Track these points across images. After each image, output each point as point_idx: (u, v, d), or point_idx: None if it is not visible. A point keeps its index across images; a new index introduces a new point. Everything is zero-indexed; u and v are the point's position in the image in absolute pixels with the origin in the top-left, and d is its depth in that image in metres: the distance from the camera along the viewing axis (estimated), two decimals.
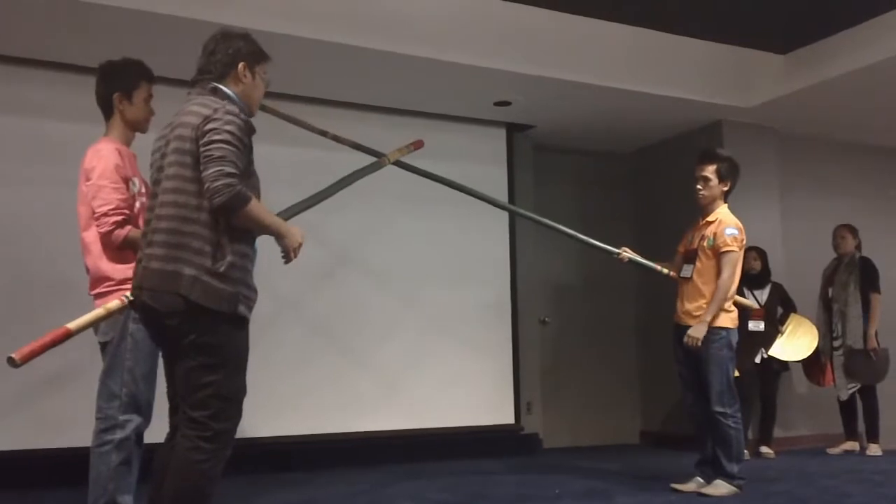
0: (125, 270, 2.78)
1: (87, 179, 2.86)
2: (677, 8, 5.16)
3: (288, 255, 2.50)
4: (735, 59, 5.77)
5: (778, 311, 5.80)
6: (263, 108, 3.63)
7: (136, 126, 3.02)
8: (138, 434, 2.83)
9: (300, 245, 2.51)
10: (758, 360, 5.65)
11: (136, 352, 2.80)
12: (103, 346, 2.87)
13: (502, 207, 4.90)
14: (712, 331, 4.03)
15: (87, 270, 2.94)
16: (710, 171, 4.21)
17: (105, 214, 2.78)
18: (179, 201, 2.34)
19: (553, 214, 6.72)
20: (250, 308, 2.42)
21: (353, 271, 5.56)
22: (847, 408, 5.72)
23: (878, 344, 5.56)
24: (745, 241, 4.17)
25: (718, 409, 4.01)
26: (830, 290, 5.77)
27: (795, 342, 5.73)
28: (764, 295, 5.78)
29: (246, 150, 2.37)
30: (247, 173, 2.38)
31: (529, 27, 5.08)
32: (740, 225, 4.16)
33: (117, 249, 2.83)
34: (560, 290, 6.69)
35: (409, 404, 5.57)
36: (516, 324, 6.04)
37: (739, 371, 5.54)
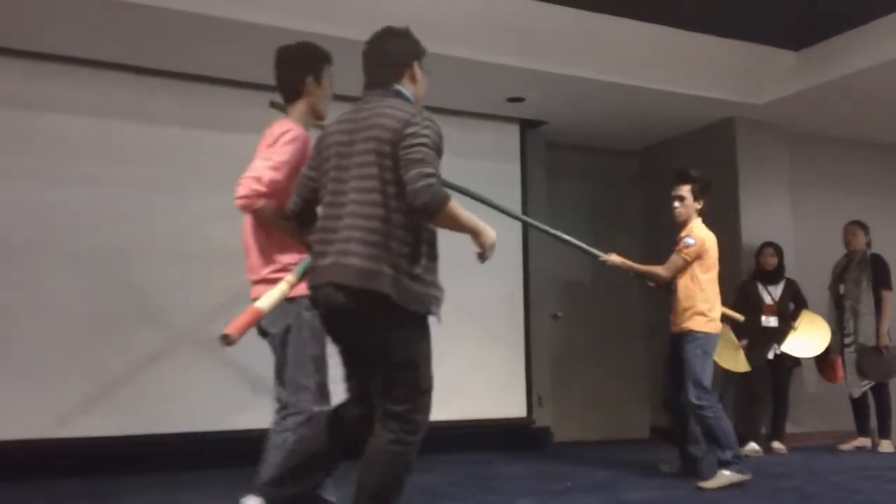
0: (290, 257, 2.73)
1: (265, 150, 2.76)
2: (690, 5, 5.16)
3: (484, 252, 2.48)
4: (747, 55, 5.77)
5: (790, 308, 5.81)
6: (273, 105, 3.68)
7: (319, 111, 2.95)
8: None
9: (494, 244, 2.48)
10: (770, 356, 5.66)
11: (314, 340, 2.73)
12: (269, 336, 2.80)
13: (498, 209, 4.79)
14: (689, 334, 4.28)
15: (247, 253, 2.87)
16: (685, 190, 4.46)
17: (252, 178, 2.64)
18: (378, 201, 2.36)
19: (565, 210, 6.82)
20: (440, 307, 2.49)
21: None
22: (859, 404, 5.72)
23: (891, 341, 5.56)
24: (707, 253, 4.37)
25: (695, 402, 4.18)
26: (841, 287, 5.77)
27: (808, 339, 5.74)
28: (778, 291, 5.78)
29: (440, 154, 2.42)
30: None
31: (543, 24, 5.10)
32: (704, 237, 4.39)
33: (263, 224, 2.75)
34: (572, 286, 6.72)
35: None
36: (528, 318, 6.08)
37: (752, 367, 5.58)
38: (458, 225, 2.40)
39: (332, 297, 2.38)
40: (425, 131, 2.36)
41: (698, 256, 4.34)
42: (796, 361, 5.82)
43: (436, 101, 5.75)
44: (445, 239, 2.49)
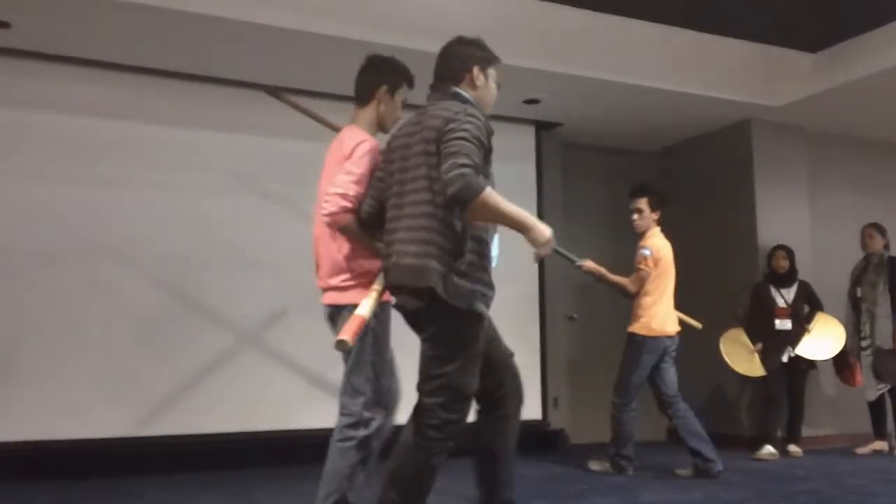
0: (364, 264, 2.78)
1: (338, 162, 2.81)
2: (708, 6, 5.15)
3: (538, 250, 2.44)
4: (765, 57, 5.75)
5: (805, 310, 5.79)
6: (286, 102, 3.73)
7: (384, 123, 2.99)
8: (379, 429, 2.78)
9: (550, 240, 2.43)
10: (785, 358, 5.64)
11: (377, 347, 2.78)
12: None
13: None
14: (630, 336, 4.71)
15: (318, 261, 2.91)
16: (643, 203, 4.74)
17: (339, 195, 2.69)
18: (425, 199, 2.44)
19: (581, 211, 6.82)
20: (488, 305, 2.51)
21: None
22: (876, 408, 5.68)
23: None
24: (661, 260, 4.68)
25: (614, 398, 4.71)
26: (859, 290, 5.74)
27: (822, 341, 5.71)
28: (791, 294, 5.76)
29: (483, 149, 2.43)
30: (484, 172, 2.44)
31: (558, 25, 5.11)
32: (660, 246, 4.70)
33: (337, 233, 2.78)
34: (587, 288, 6.69)
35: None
36: (544, 320, 6.09)
37: (766, 369, 5.57)
38: (500, 216, 2.40)
39: (398, 298, 2.51)
40: (465, 125, 2.39)
41: (655, 264, 4.63)
42: (811, 364, 5.79)
43: None
44: None
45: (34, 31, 4.55)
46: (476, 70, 2.65)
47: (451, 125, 2.40)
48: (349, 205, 2.69)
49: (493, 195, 2.34)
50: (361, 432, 2.73)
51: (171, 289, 4.99)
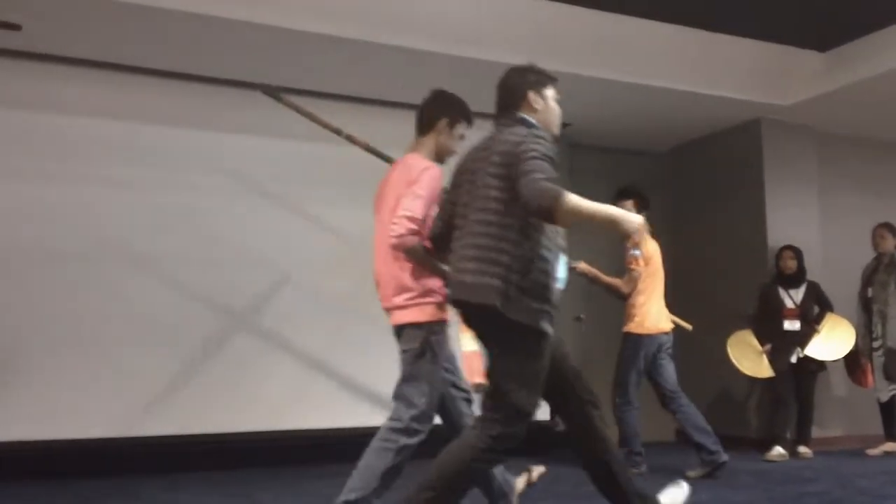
0: (426, 283, 2.91)
1: (405, 187, 2.91)
2: (716, 5, 5.14)
3: (632, 237, 2.49)
4: (774, 56, 5.73)
5: (814, 311, 5.76)
6: (285, 103, 3.77)
7: (441, 154, 3.12)
8: (419, 443, 2.88)
9: (639, 224, 2.49)
10: (793, 359, 5.62)
11: (434, 362, 2.91)
12: (404, 352, 2.96)
13: None
14: (626, 334, 4.86)
15: (380, 281, 3.04)
16: (629, 205, 4.76)
17: (408, 218, 2.82)
18: (490, 220, 2.53)
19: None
20: (551, 323, 2.56)
21: None
22: (887, 409, 5.64)
23: None
24: (651, 260, 4.82)
25: (615, 398, 4.81)
26: (870, 290, 5.70)
27: (832, 342, 5.68)
28: (799, 294, 5.73)
29: (554, 165, 2.53)
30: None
31: (566, 25, 5.11)
32: (648, 246, 4.82)
33: (399, 254, 2.89)
34: (595, 288, 6.68)
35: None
36: None
37: (775, 370, 5.54)
38: (587, 215, 2.46)
39: (463, 314, 2.61)
40: (534, 145, 2.50)
41: (646, 263, 4.74)
42: (821, 365, 5.76)
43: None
44: None
45: (45, 34, 4.59)
46: (532, 94, 2.77)
47: (522, 147, 2.51)
48: (416, 227, 2.82)
49: (575, 198, 2.41)
50: (403, 440, 2.82)
51: (173, 288, 5.01)
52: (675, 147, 6.97)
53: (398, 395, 2.91)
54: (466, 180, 2.67)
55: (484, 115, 5.78)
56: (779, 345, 5.62)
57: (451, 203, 2.74)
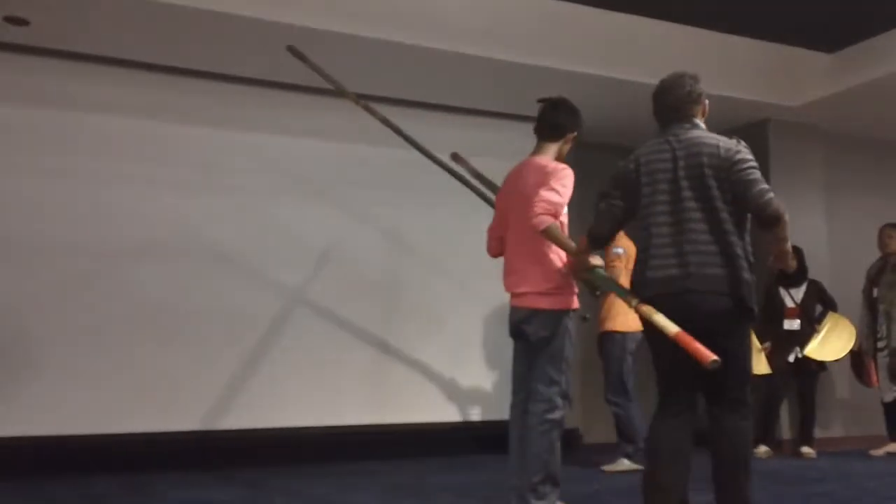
0: (563, 275, 3.21)
1: (544, 183, 3.15)
2: (725, 6, 5.13)
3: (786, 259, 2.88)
4: (782, 57, 5.73)
5: (817, 310, 5.75)
6: (307, 63, 4.01)
7: (560, 160, 3.36)
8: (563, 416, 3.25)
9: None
10: (791, 358, 5.62)
11: (571, 346, 3.26)
12: (526, 337, 3.23)
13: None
14: (609, 334, 4.95)
15: (512, 269, 3.31)
16: None
17: (545, 201, 3.07)
18: (719, 217, 2.79)
19: (590, 212, 6.75)
20: None
21: (399, 264, 5.69)
22: (891, 409, 5.65)
23: None
24: (631, 259, 4.64)
25: (614, 399, 4.88)
26: (875, 290, 5.70)
27: (831, 342, 5.67)
28: (800, 293, 5.73)
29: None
30: None
31: (573, 23, 5.12)
32: (629, 245, 4.84)
33: (539, 245, 3.19)
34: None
35: (449, 397, 5.65)
36: None
37: (772, 368, 5.55)
38: (786, 234, 2.80)
39: (694, 302, 2.76)
40: (749, 156, 2.84)
41: (628, 262, 4.78)
42: (821, 365, 5.75)
43: (455, 101, 5.79)
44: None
45: (52, 29, 4.58)
46: (706, 102, 3.04)
47: (739, 156, 2.81)
48: (553, 210, 3.08)
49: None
50: (557, 414, 3.18)
51: (186, 284, 5.03)
52: None
53: (540, 376, 3.19)
54: (664, 179, 2.86)
55: (467, 111, 5.91)
56: (778, 344, 5.63)
57: (625, 202, 2.95)
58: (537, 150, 3.40)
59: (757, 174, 2.79)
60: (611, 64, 5.28)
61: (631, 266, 4.72)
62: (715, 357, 2.59)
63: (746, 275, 2.78)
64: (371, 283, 5.51)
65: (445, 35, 4.85)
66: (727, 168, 2.79)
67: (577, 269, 3.14)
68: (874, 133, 6.69)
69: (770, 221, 2.76)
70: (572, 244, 3.09)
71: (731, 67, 5.61)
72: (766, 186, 2.77)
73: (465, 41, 4.90)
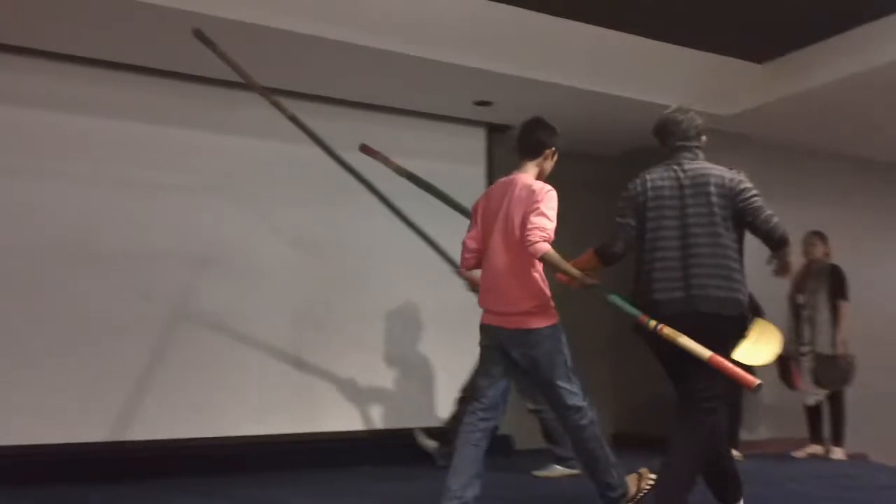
0: (547, 292, 3.35)
1: (531, 205, 3.25)
2: (659, 13, 5.19)
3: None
4: (714, 67, 5.83)
5: None
6: (216, 52, 3.93)
7: (541, 178, 3.50)
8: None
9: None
10: None
11: (567, 353, 3.41)
12: (532, 353, 3.34)
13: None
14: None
15: (499, 290, 3.35)
16: None
17: (539, 228, 3.17)
18: (721, 243, 3.09)
19: None
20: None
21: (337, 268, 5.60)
22: (813, 412, 5.80)
23: (846, 350, 5.63)
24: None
25: (530, 406, 4.82)
26: (800, 297, 5.83)
27: (759, 347, 5.78)
28: None
29: None
30: None
31: (512, 27, 5.10)
32: None
33: (536, 265, 3.30)
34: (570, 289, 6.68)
35: (380, 404, 5.59)
36: None
37: None
38: (789, 254, 3.16)
39: (696, 323, 3.04)
40: (749, 184, 3.16)
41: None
42: (749, 370, 5.84)
43: (401, 103, 5.73)
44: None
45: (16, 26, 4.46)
46: (705, 133, 3.32)
47: (743, 185, 3.13)
48: (548, 236, 3.19)
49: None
50: (590, 416, 3.36)
51: (138, 290, 4.95)
52: (624, 152, 6.98)
53: (556, 397, 3.35)
54: (669, 206, 3.13)
55: (422, 115, 5.86)
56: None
57: (634, 224, 3.21)
58: (520, 168, 3.50)
59: (761, 201, 3.10)
60: (545, 68, 5.28)
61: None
62: (759, 381, 3.02)
63: (743, 297, 3.10)
64: (281, 288, 5.39)
65: (377, 33, 4.77)
66: (732, 197, 3.09)
67: (577, 286, 3.28)
68: (799, 142, 6.87)
69: (779, 245, 3.13)
70: (572, 268, 3.23)
71: (664, 75, 5.68)
72: (771, 212, 3.08)
73: (397, 40, 4.83)
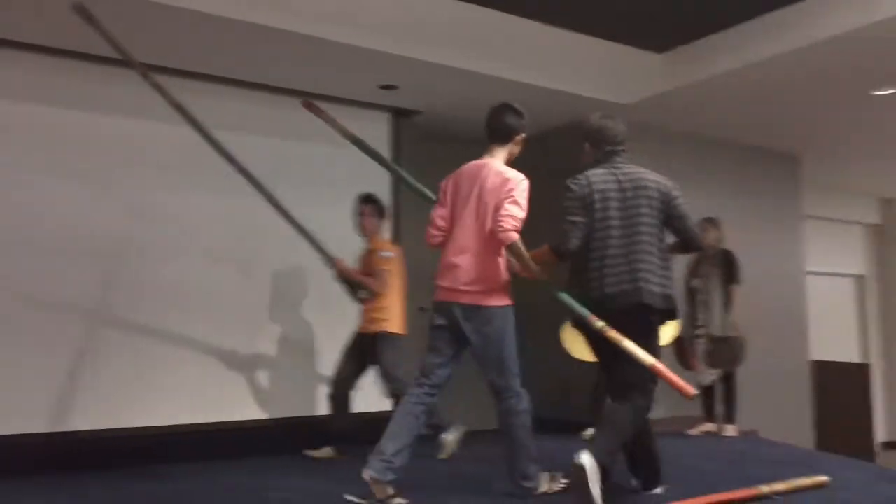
0: (505, 275, 3.54)
1: (505, 192, 3.42)
2: (565, 2, 5.24)
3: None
4: (615, 56, 5.93)
5: None
6: (98, 29, 3.80)
7: (510, 162, 3.65)
8: None
9: None
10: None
11: (513, 336, 3.55)
12: (478, 330, 3.50)
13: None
14: (382, 335, 4.91)
15: (456, 267, 3.49)
16: (369, 210, 5.07)
17: (512, 217, 3.36)
18: (655, 241, 3.43)
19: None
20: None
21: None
22: (707, 392, 6.02)
23: (738, 332, 5.85)
24: (398, 262, 5.02)
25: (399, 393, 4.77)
26: (694, 281, 6.04)
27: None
28: None
29: None
30: None
31: (417, 10, 5.05)
32: (394, 249, 5.05)
33: (500, 250, 3.47)
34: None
35: (265, 394, 5.56)
36: None
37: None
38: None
39: (638, 314, 3.36)
40: (680, 193, 3.53)
41: (397, 265, 4.98)
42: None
43: (303, 85, 5.58)
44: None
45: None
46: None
47: (675, 191, 3.50)
48: (518, 226, 3.38)
49: None
50: (526, 402, 3.54)
51: (71, 280, 4.79)
52: (534, 137, 6.95)
53: (500, 374, 3.49)
54: (615, 206, 3.40)
55: (326, 98, 5.74)
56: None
57: (587, 220, 3.41)
58: (489, 153, 3.62)
59: (688, 209, 3.50)
60: (448, 52, 5.25)
61: (398, 269, 4.96)
62: (696, 392, 3.27)
63: (671, 291, 3.42)
64: (165, 277, 5.20)
65: (290, 15, 4.63)
66: (667, 202, 3.44)
67: (531, 278, 3.48)
68: (698, 131, 7.08)
69: (695, 249, 3.72)
70: (532, 262, 3.41)
71: (567, 63, 5.74)
72: (692, 220, 3.54)
73: (313, 23, 4.70)
